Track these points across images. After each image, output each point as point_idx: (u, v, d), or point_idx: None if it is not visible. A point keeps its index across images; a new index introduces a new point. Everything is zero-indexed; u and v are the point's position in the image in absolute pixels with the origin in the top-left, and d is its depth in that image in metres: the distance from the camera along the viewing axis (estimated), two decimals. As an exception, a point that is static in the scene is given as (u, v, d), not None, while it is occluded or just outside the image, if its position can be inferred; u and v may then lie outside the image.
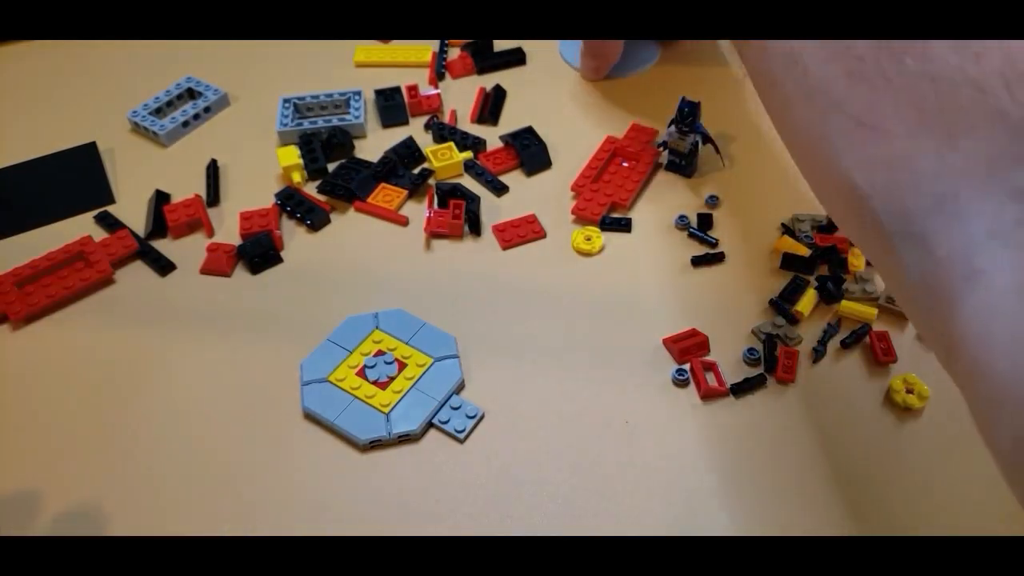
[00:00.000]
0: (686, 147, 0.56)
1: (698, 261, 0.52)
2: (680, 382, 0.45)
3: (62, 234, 0.53)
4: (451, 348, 0.46)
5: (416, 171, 0.57)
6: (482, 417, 0.44)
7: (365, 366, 0.45)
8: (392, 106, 0.62)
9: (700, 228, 0.54)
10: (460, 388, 0.45)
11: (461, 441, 0.43)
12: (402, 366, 0.45)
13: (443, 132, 0.60)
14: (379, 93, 0.63)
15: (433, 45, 0.68)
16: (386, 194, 0.56)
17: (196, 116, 0.62)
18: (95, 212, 0.55)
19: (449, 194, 0.55)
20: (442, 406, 0.44)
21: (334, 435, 0.43)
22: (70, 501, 0.41)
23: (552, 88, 0.65)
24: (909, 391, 0.44)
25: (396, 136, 0.60)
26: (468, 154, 0.58)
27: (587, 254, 0.52)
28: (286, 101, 0.61)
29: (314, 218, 0.54)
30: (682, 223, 0.54)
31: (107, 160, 0.59)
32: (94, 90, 0.65)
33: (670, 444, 0.43)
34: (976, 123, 0.23)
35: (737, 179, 0.58)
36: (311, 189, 0.57)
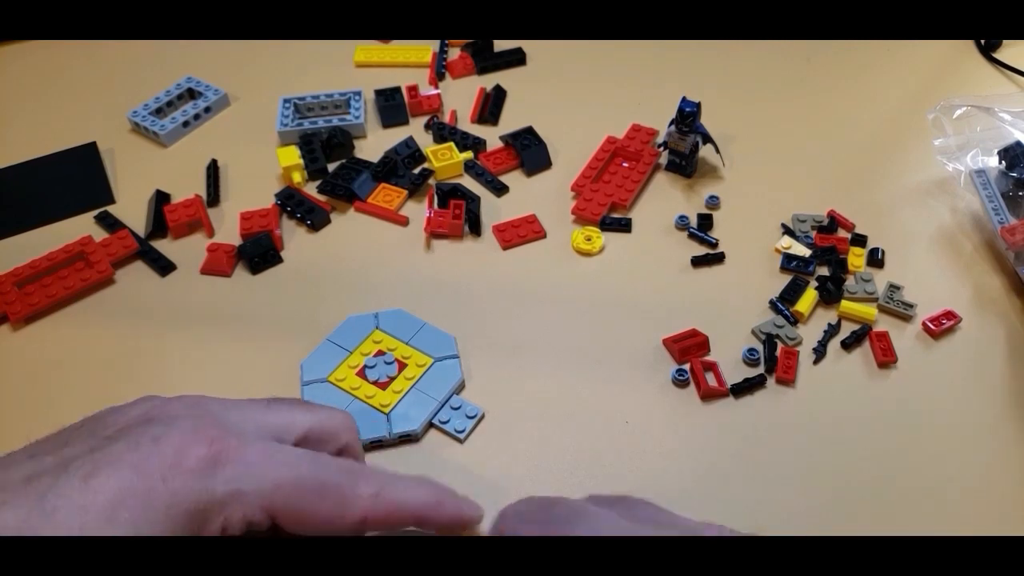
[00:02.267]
0: (686, 147, 0.56)
1: (698, 261, 0.52)
2: (680, 382, 0.45)
3: (62, 234, 0.53)
4: (451, 348, 0.46)
5: (416, 171, 0.57)
6: (482, 417, 0.44)
7: (365, 366, 0.45)
8: (392, 106, 0.62)
9: (700, 228, 0.54)
10: (460, 388, 0.45)
11: (461, 441, 0.43)
12: (402, 366, 0.45)
13: (443, 132, 0.60)
14: (379, 93, 0.63)
15: (433, 45, 0.68)
16: (386, 194, 0.56)
17: (196, 116, 0.62)
18: (95, 212, 0.55)
19: (449, 194, 0.55)
20: (442, 406, 0.44)
21: (334, 435, 0.43)
22: (70, 501, 0.41)
23: (552, 88, 0.65)
24: None
25: (396, 136, 0.60)
26: (468, 154, 0.58)
27: (587, 254, 0.52)
28: (286, 101, 0.61)
29: (314, 218, 0.54)
30: (682, 223, 0.54)
31: (107, 160, 0.59)
32: (94, 90, 0.65)
33: (670, 444, 0.43)
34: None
35: (737, 179, 0.58)
36: (311, 189, 0.57)
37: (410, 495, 0.32)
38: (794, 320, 0.48)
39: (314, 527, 0.30)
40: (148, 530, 0.27)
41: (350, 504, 0.31)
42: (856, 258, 0.51)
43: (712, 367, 0.46)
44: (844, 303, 0.49)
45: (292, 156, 0.57)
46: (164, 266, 0.52)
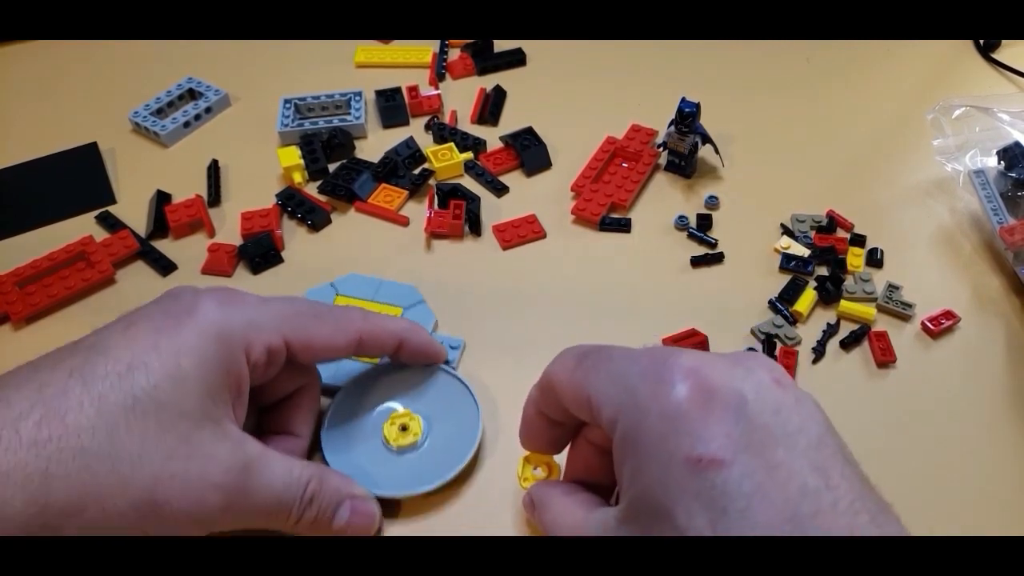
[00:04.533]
0: (686, 147, 0.56)
1: (698, 261, 0.52)
2: (680, 382, 0.45)
3: (63, 234, 0.53)
4: (416, 296, 0.48)
5: (416, 171, 0.57)
6: (465, 347, 0.46)
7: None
8: (393, 106, 0.62)
9: (700, 228, 0.54)
10: (435, 328, 0.48)
11: (454, 373, 0.44)
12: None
13: (443, 132, 0.60)
14: (380, 94, 0.63)
15: (433, 45, 0.68)
16: (386, 194, 0.56)
17: (197, 116, 0.62)
18: (96, 212, 0.55)
19: (449, 194, 0.55)
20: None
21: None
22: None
23: (552, 88, 0.65)
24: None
25: (397, 136, 0.60)
26: (468, 154, 0.58)
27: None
28: (287, 101, 0.62)
29: (315, 218, 0.54)
30: (682, 223, 0.54)
31: (108, 160, 0.59)
32: (95, 90, 0.65)
33: (670, 444, 0.43)
34: None
35: (736, 179, 0.58)
36: (312, 189, 0.57)
37: (391, 322, 0.41)
38: (793, 320, 0.48)
39: (320, 349, 0.37)
40: (186, 354, 0.32)
41: (345, 325, 0.38)
42: (855, 258, 0.51)
43: (712, 367, 0.46)
44: (843, 303, 0.49)
45: (293, 156, 0.57)
46: (165, 266, 0.52)
